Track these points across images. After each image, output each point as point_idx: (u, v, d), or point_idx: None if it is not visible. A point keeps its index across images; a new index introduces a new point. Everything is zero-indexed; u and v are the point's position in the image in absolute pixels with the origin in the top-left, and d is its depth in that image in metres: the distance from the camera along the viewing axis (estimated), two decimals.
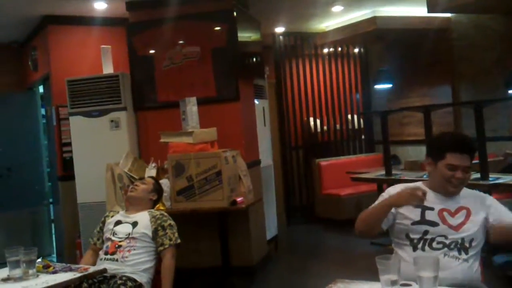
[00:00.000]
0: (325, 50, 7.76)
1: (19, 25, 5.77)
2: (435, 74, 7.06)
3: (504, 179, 4.37)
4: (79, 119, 5.05)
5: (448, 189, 2.27)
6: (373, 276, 1.94)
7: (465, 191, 2.34)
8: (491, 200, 2.33)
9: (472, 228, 2.22)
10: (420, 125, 5.92)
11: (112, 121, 5.00)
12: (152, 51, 5.16)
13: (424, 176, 4.55)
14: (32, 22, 5.67)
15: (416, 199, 2.13)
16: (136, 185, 3.35)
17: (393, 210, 2.29)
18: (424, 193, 2.13)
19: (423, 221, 2.25)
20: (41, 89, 6.48)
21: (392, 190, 2.39)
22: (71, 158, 5.17)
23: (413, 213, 2.27)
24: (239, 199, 4.42)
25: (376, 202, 2.38)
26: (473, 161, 4.46)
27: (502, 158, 5.88)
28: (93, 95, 5.00)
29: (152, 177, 3.63)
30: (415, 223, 2.26)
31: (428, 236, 2.22)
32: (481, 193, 2.37)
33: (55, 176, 5.83)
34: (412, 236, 2.25)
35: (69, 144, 5.24)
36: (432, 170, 2.33)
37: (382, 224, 2.29)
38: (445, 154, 2.25)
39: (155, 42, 5.11)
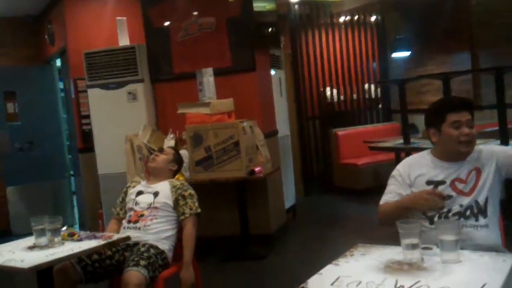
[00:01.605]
0: (341, 19, 7.64)
1: None
2: (454, 41, 6.94)
3: None
4: (97, 92, 5.09)
5: (461, 149, 2.22)
6: (393, 243, 1.96)
7: (475, 151, 2.29)
8: (495, 147, 2.31)
9: (484, 186, 2.21)
10: (439, 93, 5.85)
11: (129, 93, 5.03)
12: (167, 22, 5.15)
13: None
14: None
15: (434, 207, 2.10)
16: (156, 155, 3.37)
17: (408, 190, 2.28)
18: (443, 197, 2.09)
19: None
20: (58, 62, 6.52)
21: (401, 168, 2.36)
22: (90, 130, 5.23)
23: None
24: (257, 169, 4.45)
25: (389, 186, 2.35)
26: (492, 128, 4.41)
27: None
28: (110, 68, 5.03)
29: (172, 147, 3.65)
30: None
31: (444, 210, 2.20)
32: (485, 146, 2.34)
33: (75, 148, 5.91)
34: (428, 213, 2.23)
35: (88, 116, 5.30)
36: (438, 138, 2.30)
37: None
38: (445, 116, 2.25)
39: (170, 13, 5.09)
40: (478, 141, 2.29)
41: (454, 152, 2.26)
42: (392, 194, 2.31)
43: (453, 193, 2.22)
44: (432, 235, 1.97)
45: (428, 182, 2.26)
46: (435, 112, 2.33)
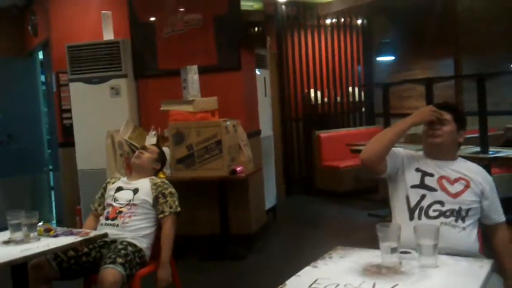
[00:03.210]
0: (328, 21, 7.67)
1: None
2: (439, 47, 7.01)
3: (503, 153, 4.37)
4: (79, 86, 5.02)
5: (428, 141, 2.34)
6: (372, 246, 1.96)
7: (469, 164, 2.37)
8: (492, 185, 2.34)
9: (469, 198, 2.25)
10: (421, 99, 5.90)
11: (112, 88, 4.97)
12: (153, 18, 5.10)
13: None
14: None
15: (433, 114, 2.28)
16: (141, 152, 3.33)
17: (401, 159, 2.36)
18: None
19: (422, 185, 2.29)
20: (40, 55, 6.43)
21: (403, 149, 2.46)
22: (71, 124, 5.16)
23: (413, 177, 2.32)
24: (238, 169, 4.44)
25: None
26: (472, 135, 4.45)
27: (503, 132, 5.87)
28: (94, 62, 4.96)
29: (157, 146, 3.59)
30: (414, 186, 2.30)
31: (425, 203, 2.25)
32: (486, 172, 2.38)
33: (55, 142, 5.83)
34: (410, 199, 2.29)
35: (69, 110, 5.22)
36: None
37: (388, 164, 2.32)
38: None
39: (157, 8, 5.05)
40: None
41: (425, 145, 2.38)
42: None
43: (438, 187, 2.27)
44: (408, 239, 1.97)
45: (417, 170, 2.34)
46: None
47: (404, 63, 7.51)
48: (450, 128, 2.32)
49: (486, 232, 2.35)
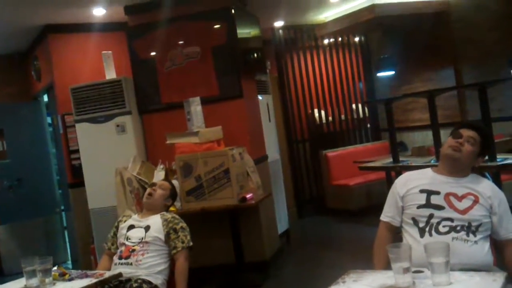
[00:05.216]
0: (326, 41, 7.74)
1: (20, 36, 5.81)
2: (437, 58, 7.04)
3: None
4: (85, 126, 5.08)
5: (447, 151, 2.35)
6: (388, 263, 1.96)
7: (479, 179, 2.37)
8: (503, 200, 2.32)
9: (478, 213, 2.23)
10: (425, 110, 5.91)
11: (118, 125, 5.03)
12: (153, 54, 5.18)
13: (432, 161, 4.55)
14: (33, 32, 5.71)
15: None
16: (153, 189, 3.34)
17: (400, 202, 2.38)
18: None
19: (428, 204, 2.29)
20: (45, 98, 6.53)
21: (398, 180, 2.48)
22: (80, 164, 5.21)
23: (419, 199, 2.33)
24: (248, 196, 4.45)
25: (387, 201, 2.47)
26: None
27: (509, 138, 5.85)
28: (98, 101, 5.03)
29: (168, 181, 3.60)
30: (420, 206, 2.31)
31: (434, 220, 2.24)
32: (496, 187, 2.38)
33: (65, 183, 5.88)
34: (418, 219, 2.29)
35: (77, 151, 5.27)
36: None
37: (395, 224, 2.42)
38: (456, 131, 2.41)
39: (156, 44, 5.12)
40: None
41: (442, 155, 2.40)
42: (386, 211, 2.46)
43: (445, 205, 2.26)
44: (419, 257, 1.96)
45: (422, 191, 2.35)
46: (453, 129, 2.47)
47: (405, 76, 7.55)
48: (473, 149, 2.35)
49: (497, 247, 2.33)
